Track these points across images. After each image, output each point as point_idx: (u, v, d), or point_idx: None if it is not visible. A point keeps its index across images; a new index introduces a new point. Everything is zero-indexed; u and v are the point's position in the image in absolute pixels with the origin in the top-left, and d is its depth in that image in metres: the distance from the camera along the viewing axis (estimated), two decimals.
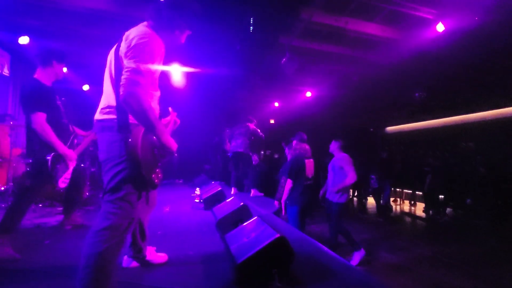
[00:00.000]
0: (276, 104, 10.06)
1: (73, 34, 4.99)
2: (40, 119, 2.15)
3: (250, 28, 4.58)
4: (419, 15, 4.42)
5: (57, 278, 1.69)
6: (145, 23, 1.50)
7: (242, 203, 2.78)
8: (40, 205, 3.66)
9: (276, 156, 8.86)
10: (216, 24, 4.65)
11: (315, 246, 2.31)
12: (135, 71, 1.29)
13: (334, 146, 4.02)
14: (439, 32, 4.26)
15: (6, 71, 5.56)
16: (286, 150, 4.41)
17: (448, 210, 7.23)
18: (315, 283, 1.69)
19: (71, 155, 2.35)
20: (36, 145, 2.21)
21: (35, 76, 2.31)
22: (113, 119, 1.37)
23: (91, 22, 4.62)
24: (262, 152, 11.22)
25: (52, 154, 2.21)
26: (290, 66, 5.30)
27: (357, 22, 4.70)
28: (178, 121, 1.91)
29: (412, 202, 8.52)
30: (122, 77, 1.30)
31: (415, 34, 4.73)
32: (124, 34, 1.48)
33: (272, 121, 11.82)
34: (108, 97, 1.44)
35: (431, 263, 3.89)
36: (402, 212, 7.86)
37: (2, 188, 3.56)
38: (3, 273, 1.74)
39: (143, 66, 1.31)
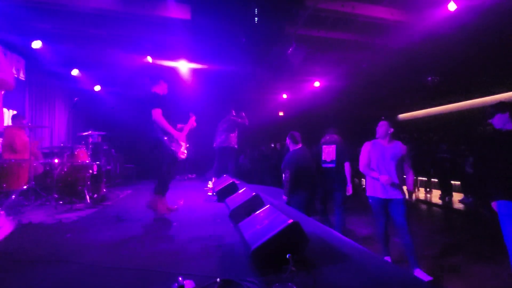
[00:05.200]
0: (285, 96, 9.98)
1: (82, 36, 5.10)
2: (158, 113, 3.06)
3: (255, 19, 4.54)
4: None
5: (81, 267, 1.77)
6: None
7: (254, 193, 2.80)
8: (61, 202, 3.80)
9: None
10: (220, 18, 4.63)
11: (327, 231, 2.32)
12: None
13: None
14: (451, 12, 4.10)
15: (22, 76, 5.76)
16: (288, 141, 4.35)
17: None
18: (330, 267, 1.69)
19: (180, 136, 3.25)
20: (159, 133, 3.10)
21: (153, 90, 3.26)
22: None
23: (98, 22, 4.70)
24: (273, 145, 11.20)
25: (166, 136, 3.10)
26: (297, 56, 5.24)
27: (365, 6, 4.58)
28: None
29: (428, 189, 8.35)
30: None
31: (425, 15, 4.57)
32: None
33: (281, 113, 11.74)
34: None
35: (449, 250, 3.82)
36: (418, 200, 7.72)
37: (25, 187, 3.72)
38: (31, 264, 1.84)
39: None
